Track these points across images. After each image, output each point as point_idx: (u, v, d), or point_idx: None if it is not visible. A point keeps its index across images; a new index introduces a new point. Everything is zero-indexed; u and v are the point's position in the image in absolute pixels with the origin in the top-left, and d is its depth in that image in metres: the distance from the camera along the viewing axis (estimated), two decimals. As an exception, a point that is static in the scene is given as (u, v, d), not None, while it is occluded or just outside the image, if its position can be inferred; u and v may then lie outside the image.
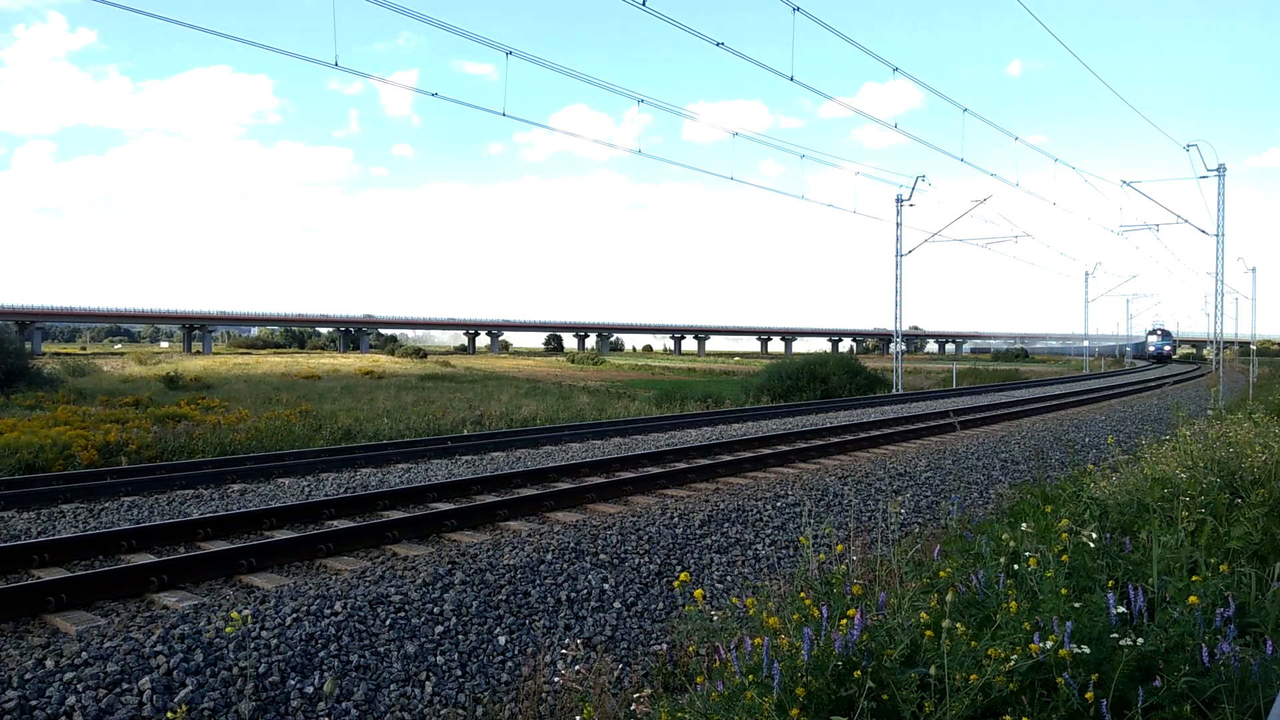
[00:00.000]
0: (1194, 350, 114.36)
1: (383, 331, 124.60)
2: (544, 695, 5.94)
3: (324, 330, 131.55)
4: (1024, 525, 4.95)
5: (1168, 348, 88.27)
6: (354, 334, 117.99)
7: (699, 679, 3.56)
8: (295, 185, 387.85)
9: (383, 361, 68.77)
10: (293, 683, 5.50)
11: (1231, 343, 78.68)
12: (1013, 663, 3.21)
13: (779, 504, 10.39)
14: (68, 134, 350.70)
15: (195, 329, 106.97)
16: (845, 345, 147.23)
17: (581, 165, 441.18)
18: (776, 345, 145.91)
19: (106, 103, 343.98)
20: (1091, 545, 4.70)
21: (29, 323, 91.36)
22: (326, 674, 5.64)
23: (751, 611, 3.98)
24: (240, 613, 5.73)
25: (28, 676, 5.01)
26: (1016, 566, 4.38)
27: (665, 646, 6.86)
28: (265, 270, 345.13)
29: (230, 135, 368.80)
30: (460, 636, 6.42)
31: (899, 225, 35.55)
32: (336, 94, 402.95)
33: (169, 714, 4.45)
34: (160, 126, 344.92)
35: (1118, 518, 6.05)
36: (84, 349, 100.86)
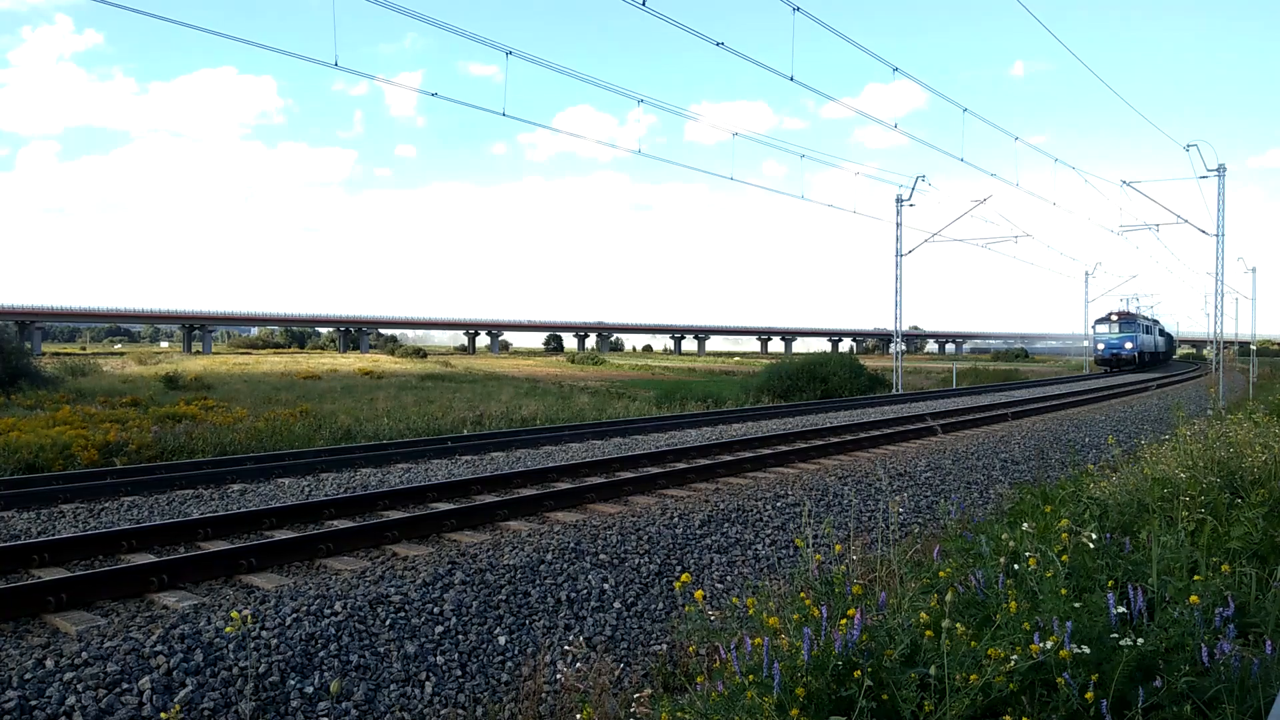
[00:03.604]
0: (1194, 350, 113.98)
1: (383, 331, 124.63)
2: (544, 695, 5.94)
3: (324, 330, 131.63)
4: (1024, 525, 4.95)
5: (1130, 344, 55.80)
6: (354, 334, 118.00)
7: (699, 679, 3.56)
8: (299, 186, 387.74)
9: (383, 361, 68.76)
10: (293, 683, 5.50)
11: (1232, 343, 68.00)
12: (1013, 663, 3.21)
13: (779, 504, 10.39)
14: (72, 134, 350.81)
15: (195, 329, 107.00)
16: (845, 345, 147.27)
17: (585, 165, 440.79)
18: (776, 345, 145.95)
19: (112, 104, 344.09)
20: (1091, 545, 4.70)
21: (29, 323, 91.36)
22: (327, 674, 5.64)
23: (751, 611, 3.98)
24: (240, 612, 5.74)
25: (28, 676, 5.01)
26: (1016, 566, 4.38)
27: (665, 646, 6.86)
28: (268, 270, 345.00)
29: (234, 136, 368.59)
30: (460, 636, 6.42)
31: (899, 225, 35.58)
32: (341, 95, 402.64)
33: (169, 713, 4.45)
34: (165, 127, 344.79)
35: (1118, 518, 6.05)
36: (84, 349, 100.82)
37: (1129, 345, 55.89)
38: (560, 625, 6.94)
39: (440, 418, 20.40)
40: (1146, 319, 61.98)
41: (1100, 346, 57.15)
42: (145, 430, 16.22)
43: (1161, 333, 68.89)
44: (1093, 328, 58.47)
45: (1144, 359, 57.86)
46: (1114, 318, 57.52)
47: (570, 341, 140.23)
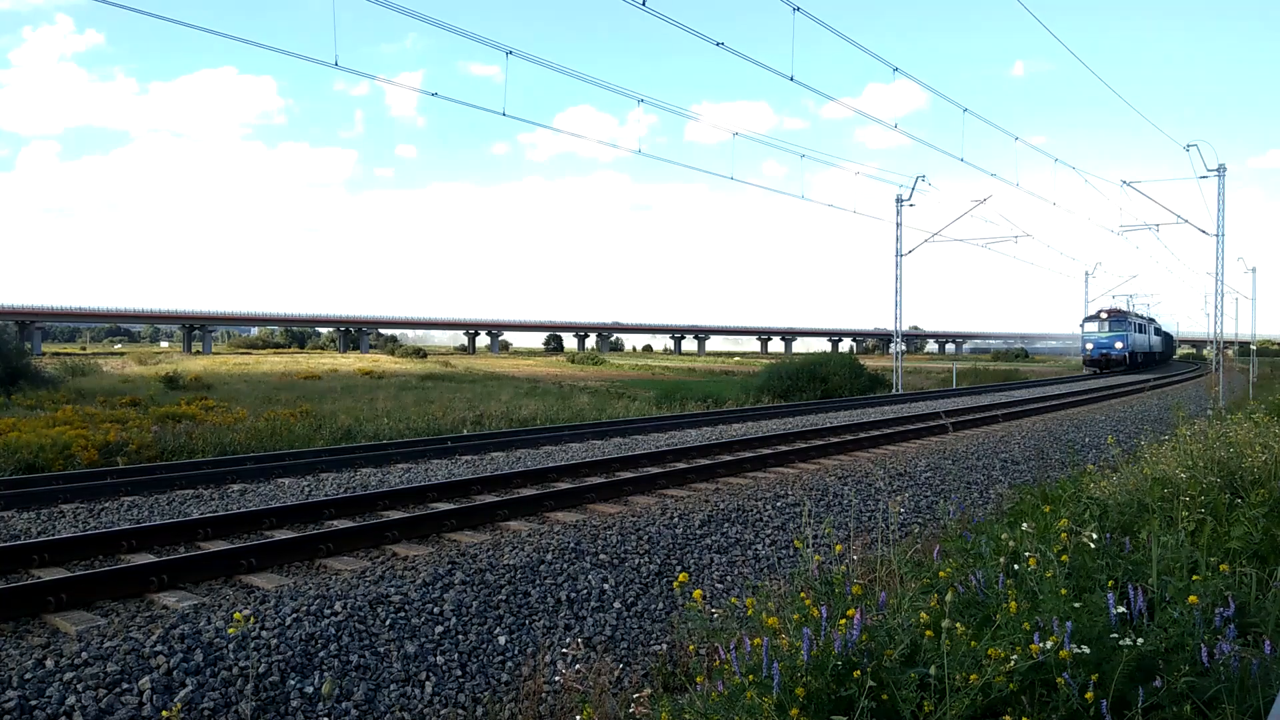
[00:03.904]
0: (1194, 350, 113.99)
1: (383, 331, 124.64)
2: (544, 695, 5.94)
3: (324, 330, 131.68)
4: (1024, 525, 4.95)
5: (1120, 344, 51.40)
6: (354, 334, 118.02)
7: (699, 679, 3.56)
8: (300, 186, 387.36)
9: (383, 361, 68.78)
10: (293, 683, 5.50)
11: (1232, 343, 65.98)
12: (1013, 663, 3.21)
13: (779, 504, 10.39)
14: (72, 134, 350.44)
15: (195, 329, 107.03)
16: (845, 345, 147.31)
17: (585, 165, 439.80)
18: (776, 345, 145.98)
19: (112, 104, 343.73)
20: (1091, 545, 4.70)
21: (29, 323, 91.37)
22: (327, 674, 5.64)
23: (751, 611, 3.98)
24: (241, 613, 5.74)
25: (28, 676, 5.01)
26: (1016, 566, 4.38)
27: (665, 646, 6.87)
28: (268, 270, 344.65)
29: (235, 136, 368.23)
30: (460, 636, 6.42)
31: (899, 225, 35.61)
32: (342, 95, 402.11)
33: (169, 713, 4.45)
34: (165, 127, 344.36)
35: (1118, 518, 6.05)
36: (84, 349, 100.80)
37: (1119, 345, 51.63)
38: (560, 625, 6.94)
39: (440, 418, 20.39)
40: (1140, 317, 57.82)
41: (1089, 346, 52.94)
42: (145, 430, 16.22)
43: (1158, 332, 65.26)
44: (1080, 326, 54.54)
45: (1136, 359, 53.46)
46: (1103, 315, 52.98)
47: (570, 341, 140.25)
